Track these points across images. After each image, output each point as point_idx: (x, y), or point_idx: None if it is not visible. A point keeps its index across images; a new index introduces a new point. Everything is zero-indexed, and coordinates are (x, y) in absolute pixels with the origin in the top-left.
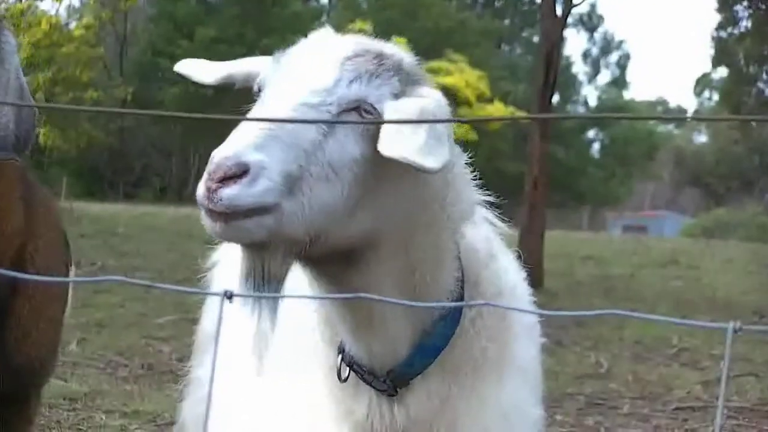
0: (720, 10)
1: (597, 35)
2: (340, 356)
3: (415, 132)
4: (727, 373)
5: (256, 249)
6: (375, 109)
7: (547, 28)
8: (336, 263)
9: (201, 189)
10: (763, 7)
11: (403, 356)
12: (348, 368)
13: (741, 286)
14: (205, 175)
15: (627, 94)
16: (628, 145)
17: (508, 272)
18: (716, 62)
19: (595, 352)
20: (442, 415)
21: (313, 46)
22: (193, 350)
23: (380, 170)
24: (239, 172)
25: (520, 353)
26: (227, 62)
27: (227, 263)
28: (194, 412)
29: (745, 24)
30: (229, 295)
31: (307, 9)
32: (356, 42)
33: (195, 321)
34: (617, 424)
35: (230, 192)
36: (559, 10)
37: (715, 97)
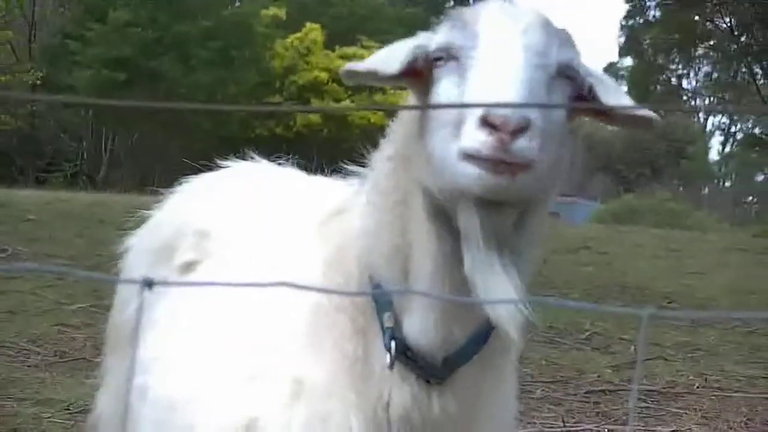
0: None
1: None
2: (394, 344)
3: (622, 92)
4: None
5: (495, 208)
6: (578, 73)
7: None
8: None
9: (486, 140)
10: None
11: (463, 342)
12: (394, 357)
13: (651, 272)
14: (482, 128)
15: None
16: None
17: None
18: (624, 51)
19: None
20: (473, 404)
21: (502, 11)
22: (105, 338)
23: (567, 132)
24: (526, 126)
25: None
26: (388, 48)
27: (139, 250)
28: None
29: (653, 13)
30: (148, 283)
31: None
32: (538, 12)
33: (109, 308)
34: (530, 408)
35: (523, 143)
36: None
37: (624, 85)
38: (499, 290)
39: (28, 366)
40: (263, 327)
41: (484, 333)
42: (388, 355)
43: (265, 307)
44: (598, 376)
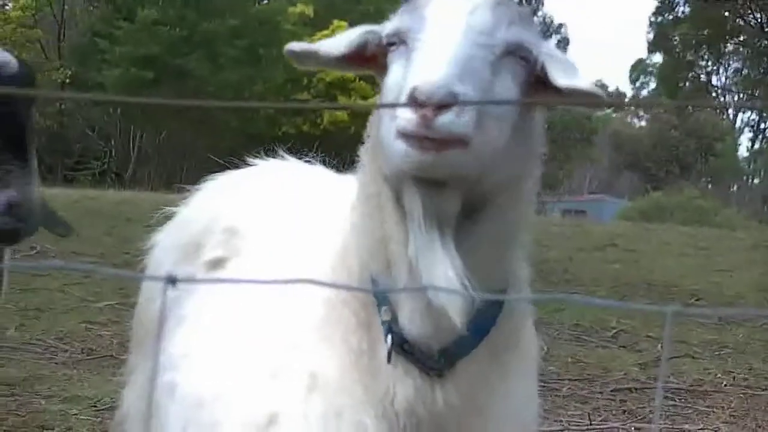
0: None
1: (536, 19)
2: (390, 337)
3: (576, 71)
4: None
5: (436, 187)
6: (531, 52)
7: None
8: (462, 214)
9: (410, 117)
10: None
11: (457, 335)
12: (392, 349)
13: (678, 269)
14: (408, 105)
15: None
16: (566, 129)
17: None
18: (653, 47)
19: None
20: (478, 399)
21: None
22: (131, 335)
23: (522, 116)
24: (452, 101)
25: (529, 340)
26: (334, 37)
27: (165, 247)
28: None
29: (682, 9)
30: (172, 280)
31: None
32: None
33: (135, 305)
34: (557, 405)
35: (448, 118)
36: None
37: (653, 82)
38: (439, 271)
39: (56, 363)
40: (282, 322)
41: (483, 325)
42: (385, 349)
43: (284, 303)
44: (625, 374)
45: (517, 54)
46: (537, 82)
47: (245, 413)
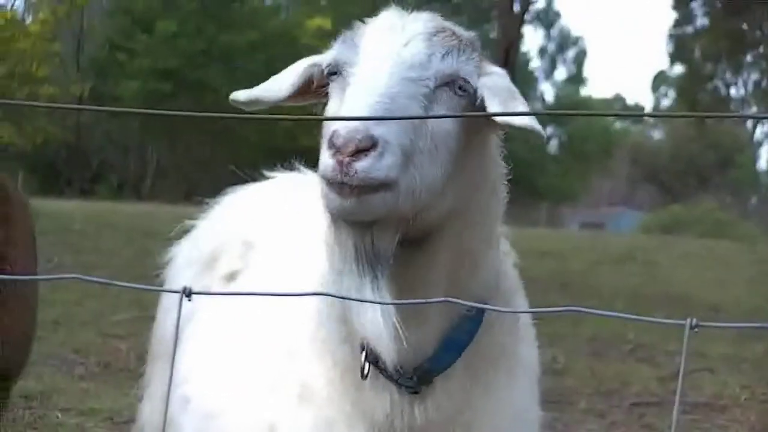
0: (676, 7)
1: (554, 31)
2: (364, 354)
3: (517, 101)
4: (683, 368)
5: (366, 227)
6: (468, 82)
7: (504, 24)
8: (408, 245)
9: (329, 162)
10: (719, 4)
11: (431, 352)
12: (369, 366)
13: (697, 282)
14: (328, 149)
15: (584, 91)
16: (585, 142)
17: (513, 269)
18: (673, 59)
19: (552, 348)
20: (460, 414)
21: (387, 24)
22: (149, 348)
23: (465, 146)
24: (369, 146)
25: (525, 353)
26: (281, 74)
27: (183, 260)
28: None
29: (702, 21)
30: (188, 293)
31: (266, 4)
32: (431, 18)
33: (153, 318)
34: (574, 419)
35: (365, 164)
36: (516, 7)
37: (672, 94)
38: (368, 314)
39: (72, 376)
40: (282, 334)
41: (459, 341)
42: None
43: (283, 316)
44: (643, 388)
45: (455, 85)
46: (474, 109)
47: (248, 425)
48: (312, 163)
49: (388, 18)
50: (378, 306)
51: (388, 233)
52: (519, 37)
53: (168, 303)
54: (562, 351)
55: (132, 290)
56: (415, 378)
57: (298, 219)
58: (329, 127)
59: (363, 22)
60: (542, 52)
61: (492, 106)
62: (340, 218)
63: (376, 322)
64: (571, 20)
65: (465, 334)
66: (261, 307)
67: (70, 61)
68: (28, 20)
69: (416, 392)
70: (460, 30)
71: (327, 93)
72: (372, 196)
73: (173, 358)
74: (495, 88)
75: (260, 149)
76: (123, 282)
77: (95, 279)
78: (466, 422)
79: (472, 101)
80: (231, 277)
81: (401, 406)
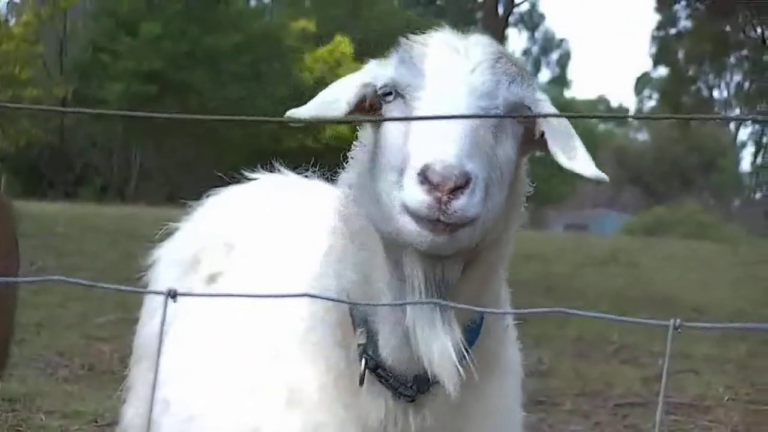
0: (659, 9)
1: (538, 34)
2: (364, 360)
3: (576, 143)
4: (667, 369)
5: (438, 259)
6: (530, 110)
7: (488, 27)
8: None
9: (424, 199)
10: (703, 6)
11: None
12: (366, 372)
13: (680, 284)
14: (421, 185)
15: (568, 93)
16: None
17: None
18: (657, 61)
19: (537, 349)
20: (453, 421)
21: (450, 47)
22: (133, 351)
23: (516, 171)
24: (464, 183)
25: (511, 357)
26: (335, 86)
27: (166, 262)
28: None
29: (685, 24)
30: (173, 294)
31: (251, 6)
32: (490, 43)
33: (136, 321)
34: (559, 420)
35: (462, 203)
36: (500, 9)
37: (655, 96)
38: (437, 345)
39: (56, 379)
40: (266, 337)
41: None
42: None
43: (268, 318)
44: (627, 389)
45: (518, 112)
46: (530, 134)
47: (229, 428)
48: (295, 164)
49: (448, 40)
50: (448, 336)
51: (458, 263)
52: (503, 39)
53: (152, 305)
54: (547, 352)
55: (116, 293)
56: (414, 386)
57: (280, 220)
58: (413, 159)
59: (407, 38)
60: (526, 54)
61: (558, 154)
62: (422, 251)
63: (446, 352)
64: (555, 22)
65: (467, 344)
66: (243, 308)
67: (54, 64)
68: (11, 22)
69: (412, 400)
70: (511, 54)
71: (380, 113)
72: (460, 232)
73: (158, 361)
74: (558, 131)
75: (244, 151)
76: (107, 284)
77: (79, 281)
78: (458, 428)
79: (531, 126)
80: (212, 278)
81: (395, 413)
